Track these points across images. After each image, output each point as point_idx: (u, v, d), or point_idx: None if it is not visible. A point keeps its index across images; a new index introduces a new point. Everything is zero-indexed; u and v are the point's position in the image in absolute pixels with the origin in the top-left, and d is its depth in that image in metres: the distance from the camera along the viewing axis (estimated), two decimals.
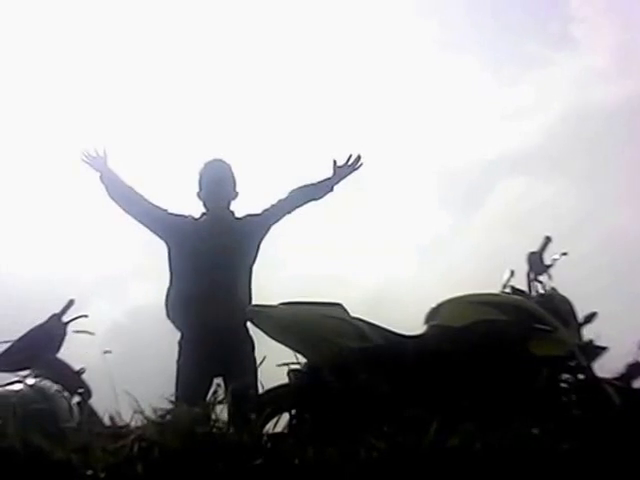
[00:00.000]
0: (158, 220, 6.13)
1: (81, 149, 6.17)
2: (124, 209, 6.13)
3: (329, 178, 6.23)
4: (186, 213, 6.20)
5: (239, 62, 18.84)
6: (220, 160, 6.24)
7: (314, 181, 6.25)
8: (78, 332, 6.18)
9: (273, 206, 6.18)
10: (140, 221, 6.16)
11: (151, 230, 6.16)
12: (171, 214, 6.17)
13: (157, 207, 6.16)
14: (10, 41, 18.15)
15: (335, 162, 6.20)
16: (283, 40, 19.34)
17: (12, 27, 18.34)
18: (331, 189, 6.25)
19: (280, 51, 19.17)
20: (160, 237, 6.14)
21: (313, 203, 6.23)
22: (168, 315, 5.99)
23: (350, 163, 6.23)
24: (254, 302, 5.91)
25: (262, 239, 6.14)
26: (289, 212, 6.21)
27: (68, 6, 17.76)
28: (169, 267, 6.09)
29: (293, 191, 6.22)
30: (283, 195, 6.22)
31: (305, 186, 6.23)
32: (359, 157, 6.25)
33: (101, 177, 6.14)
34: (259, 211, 6.19)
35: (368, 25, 19.48)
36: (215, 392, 4.23)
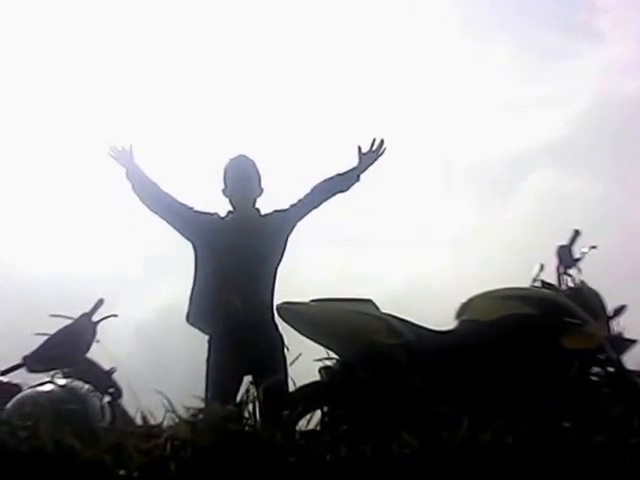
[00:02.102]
0: (184, 219, 6.09)
1: (107, 144, 6.14)
2: (149, 207, 6.09)
3: (354, 168, 6.15)
4: (212, 211, 6.18)
5: (257, 57, 18.89)
6: (244, 156, 6.20)
7: (339, 172, 6.17)
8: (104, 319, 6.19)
9: (300, 201, 6.12)
10: (166, 219, 6.10)
11: (177, 229, 6.11)
12: (197, 212, 6.12)
13: (184, 205, 6.11)
14: (28, 37, 18.26)
15: (360, 149, 6.13)
16: (304, 31, 19.42)
17: (25, 25, 18.43)
18: (357, 179, 6.18)
19: (301, 42, 19.27)
20: (186, 237, 6.10)
21: (340, 195, 6.15)
22: (187, 318, 5.98)
23: (374, 149, 6.15)
24: (279, 300, 5.90)
25: (289, 235, 6.08)
26: (316, 207, 6.14)
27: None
28: (195, 267, 6.04)
29: (319, 184, 6.15)
30: (309, 189, 6.16)
31: (330, 178, 6.16)
32: (382, 141, 6.16)
33: (127, 173, 6.10)
34: (285, 206, 6.14)
35: (392, 17, 19.49)
36: (247, 390, 4.21)
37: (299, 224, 6.14)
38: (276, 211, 6.14)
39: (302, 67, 19.59)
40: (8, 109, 18.18)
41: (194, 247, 6.06)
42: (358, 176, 6.17)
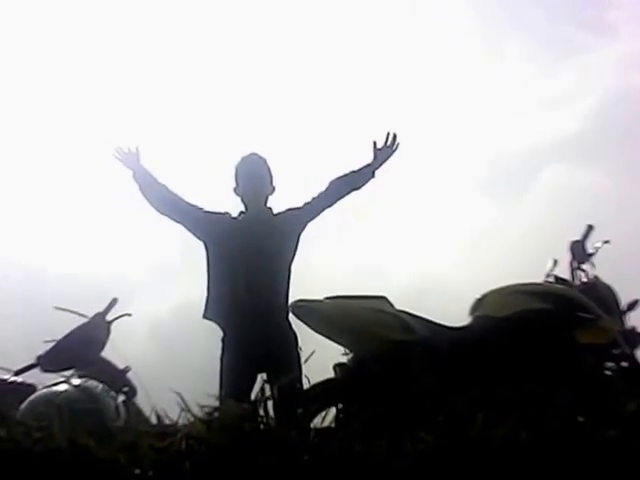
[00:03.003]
0: (194, 219, 6.08)
1: (114, 145, 6.11)
2: (157, 208, 6.08)
3: (369, 164, 6.11)
4: (223, 210, 6.17)
5: (276, 54, 18.89)
6: (256, 154, 6.19)
7: (353, 169, 6.13)
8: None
9: (314, 199, 6.08)
10: (176, 220, 6.09)
11: (188, 229, 6.10)
12: (208, 213, 6.10)
13: (193, 206, 6.10)
14: (33, 36, 18.30)
15: (375, 144, 6.09)
16: (321, 27, 19.42)
17: (30, 25, 18.48)
18: (373, 175, 6.13)
19: (319, 39, 19.27)
20: (198, 237, 6.08)
21: (355, 193, 6.11)
22: (205, 315, 5.97)
23: (389, 144, 6.11)
24: (294, 298, 5.90)
25: (301, 233, 6.06)
26: (330, 205, 6.10)
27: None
28: (207, 267, 6.02)
29: (333, 182, 6.10)
30: (323, 187, 6.12)
31: (345, 175, 6.11)
32: (395, 136, 6.12)
33: (134, 175, 6.08)
34: (299, 204, 6.11)
35: (410, 15, 19.49)
36: (262, 388, 4.21)
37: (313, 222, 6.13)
38: (289, 209, 6.11)
39: (315, 65, 19.61)
40: (24, 109, 18.23)
41: (205, 247, 6.05)
42: (373, 172, 6.12)
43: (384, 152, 6.11)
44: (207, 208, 6.14)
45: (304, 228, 6.07)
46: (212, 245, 6.01)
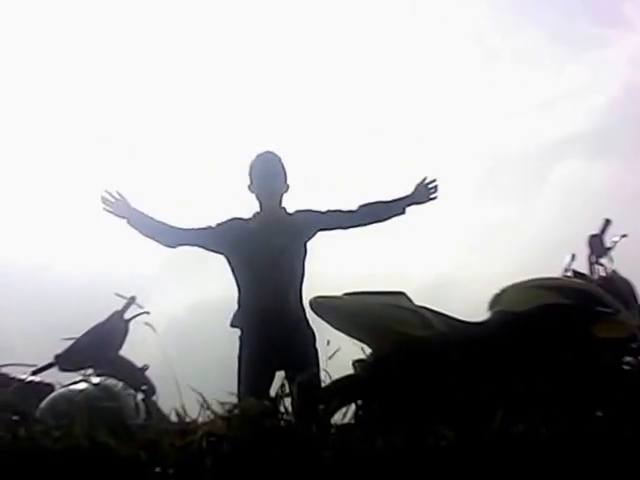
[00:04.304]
0: (206, 239, 6.07)
1: (99, 198, 5.95)
2: (167, 245, 6.08)
3: (403, 198, 6.09)
4: (231, 217, 6.15)
5: (270, 54, 18.92)
6: (271, 152, 6.19)
7: (385, 199, 6.10)
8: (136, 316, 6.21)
9: (337, 213, 6.08)
10: (189, 245, 6.09)
11: (205, 249, 6.11)
12: (218, 225, 6.09)
13: (198, 229, 6.09)
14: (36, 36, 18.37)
15: (423, 181, 6.07)
16: (331, 27, 19.40)
17: (31, 26, 18.55)
18: (403, 211, 6.10)
19: (329, 38, 19.24)
20: (216, 252, 6.08)
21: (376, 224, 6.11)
22: (232, 323, 5.97)
23: (430, 187, 6.09)
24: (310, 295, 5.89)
25: (310, 237, 6.06)
26: (345, 228, 6.11)
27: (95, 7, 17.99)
28: (233, 275, 6.03)
29: (361, 208, 6.08)
30: (353, 207, 6.08)
31: (376, 203, 6.09)
32: (436, 187, 6.11)
33: (129, 222, 6.00)
34: (321, 209, 6.10)
35: (418, 11, 19.47)
36: (282, 385, 4.22)
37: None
38: (309, 211, 6.11)
39: (310, 65, 19.63)
40: (41, 111, 18.30)
41: (227, 258, 6.05)
42: (404, 208, 6.10)
43: (421, 196, 6.10)
44: (218, 220, 6.14)
45: (314, 234, 6.06)
46: (231, 255, 6.00)
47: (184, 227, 6.09)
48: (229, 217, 6.13)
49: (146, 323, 6.05)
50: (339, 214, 6.09)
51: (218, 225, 6.11)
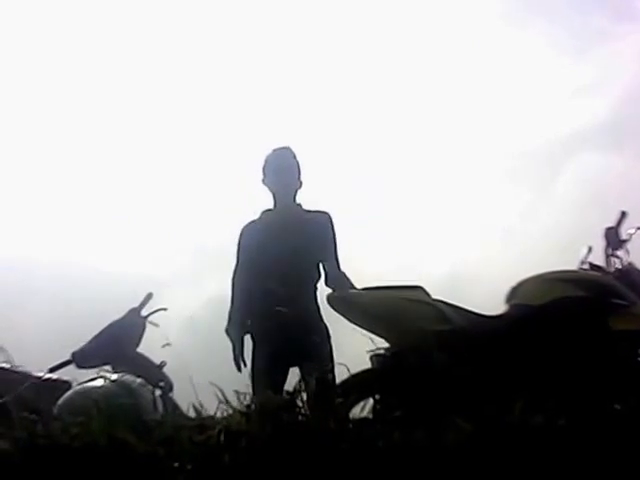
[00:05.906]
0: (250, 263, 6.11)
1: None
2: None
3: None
4: (247, 222, 6.19)
5: (270, 54, 18.92)
6: (286, 147, 6.21)
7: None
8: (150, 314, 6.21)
9: (330, 263, 6.13)
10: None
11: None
12: (245, 243, 6.17)
13: (242, 263, 6.14)
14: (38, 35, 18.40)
15: None
16: (347, 22, 19.39)
17: (31, 26, 18.59)
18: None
19: (346, 33, 19.23)
20: None
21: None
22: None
23: None
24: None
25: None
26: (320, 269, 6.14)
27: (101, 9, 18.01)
28: (247, 274, 6.09)
29: (341, 279, 6.06)
30: (339, 272, 6.10)
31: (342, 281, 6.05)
32: None
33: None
34: (333, 243, 6.16)
35: (433, 4, 19.45)
36: (300, 379, 4.21)
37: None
38: (321, 213, 6.13)
39: (347, 59, 19.62)
40: (61, 115, 18.36)
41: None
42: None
43: None
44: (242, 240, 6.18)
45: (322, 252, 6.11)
46: (246, 255, 6.03)
47: (240, 277, 6.13)
48: (239, 231, 6.17)
49: (150, 322, 6.10)
50: (330, 265, 6.12)
51: (245, 242, 6.16)
